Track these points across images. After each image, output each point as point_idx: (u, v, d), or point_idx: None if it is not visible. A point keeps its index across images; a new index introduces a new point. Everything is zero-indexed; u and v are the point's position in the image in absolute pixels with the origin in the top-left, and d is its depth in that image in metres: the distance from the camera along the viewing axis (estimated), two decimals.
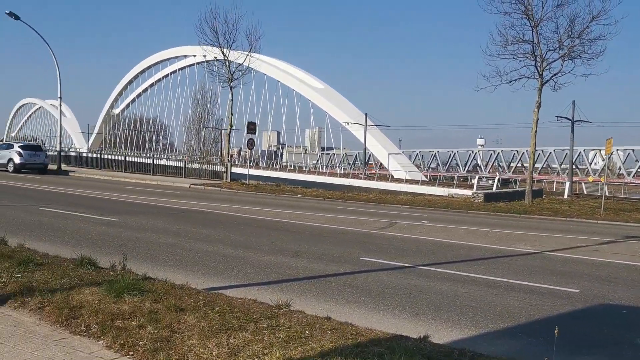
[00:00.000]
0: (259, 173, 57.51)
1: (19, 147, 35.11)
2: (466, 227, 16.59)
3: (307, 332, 5.08)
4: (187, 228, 13.15)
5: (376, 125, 63.39)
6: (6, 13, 33.54)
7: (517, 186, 48.09)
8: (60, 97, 38.36)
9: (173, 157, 56.12)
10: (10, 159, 34.01)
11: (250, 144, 32.27)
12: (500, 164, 79.34)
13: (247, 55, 33.78)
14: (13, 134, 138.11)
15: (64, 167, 38.29)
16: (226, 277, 8.08)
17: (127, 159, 41.26)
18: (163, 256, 9.47)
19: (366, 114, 61.39)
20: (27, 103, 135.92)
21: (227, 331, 4.98)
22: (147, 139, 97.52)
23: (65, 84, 40.40)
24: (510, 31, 26.53)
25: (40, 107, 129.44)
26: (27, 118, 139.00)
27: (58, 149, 39.58)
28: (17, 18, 33.91)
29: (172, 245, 10.63)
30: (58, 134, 41.44)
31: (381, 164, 67.31)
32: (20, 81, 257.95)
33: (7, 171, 33.72)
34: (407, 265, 9.68)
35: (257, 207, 19.83)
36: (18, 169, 33.55)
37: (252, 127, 32.23)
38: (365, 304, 6.93)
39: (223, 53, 33.67)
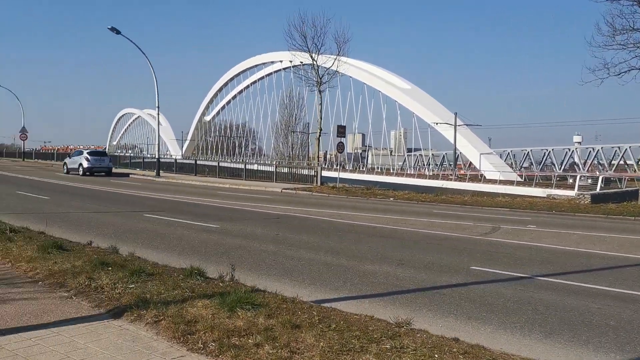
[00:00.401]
0: (346, 176, 57.25)
1: (87, 153, 39.80)
2: (578, 232, 15.39)
3: (436, 355, 4.62)
4: (285, 234, 13.03)
5: (466, 125, 61.40)
6: (108, 28, 35.57)
7: (624, 185, 44.80)
8: (158, 107, 40.11)
9: (263, 162, 57.19)
10: (80, 164, 38.31)
11: (340, 147, 32.09)
12: (600, 161, 74.58)
13: (336, 58, 33.72)
14: (114, 143, 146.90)
15: (161, 173, 39.94)
16: (333, 288, 7.77)
17: (221, 164, 42.40)
18: (266, 265, 9.32)
19: (455, 114, 59.59)
20: (126, 113, 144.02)
21: (349, 353, 4.62)
22: (236, 145, 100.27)
23: (160, 93, 42.37)
24: (618, 20, 24.59)
25: (138, 117, 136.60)
26: (127, 127, 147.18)
27: (156, 156, 41.44)
28: (117, 32, 35.78)
29: (273, 253, 10.49)
30: (156, 142, 43.48)
31: (470, 163, 65.10)
32: (120, 92, 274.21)
33: (78, 174, 37.76)
34: (523, 275, 8.94)
35: (350, 211, 19.52)
36: (86, 172, 37.67)
37: (341, 131, 32.06)
38: (489, 320, 6.36)
39: (312, 57, 33.79)
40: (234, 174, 41.70)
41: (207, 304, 5.86)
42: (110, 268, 7.31)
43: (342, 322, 5.44)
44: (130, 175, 40.57)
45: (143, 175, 41.11)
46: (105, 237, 11.11)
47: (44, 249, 8.31)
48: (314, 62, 34.15)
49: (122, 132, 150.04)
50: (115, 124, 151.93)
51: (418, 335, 5.18)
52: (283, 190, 29.52)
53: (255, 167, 42.79)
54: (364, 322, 5.52)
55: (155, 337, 5.06)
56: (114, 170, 41.61)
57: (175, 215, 16.04)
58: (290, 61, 78.61)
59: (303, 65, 41.00)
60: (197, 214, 17.04)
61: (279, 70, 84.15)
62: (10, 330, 5.09)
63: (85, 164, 37.89)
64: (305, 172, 36.97)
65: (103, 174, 38.54)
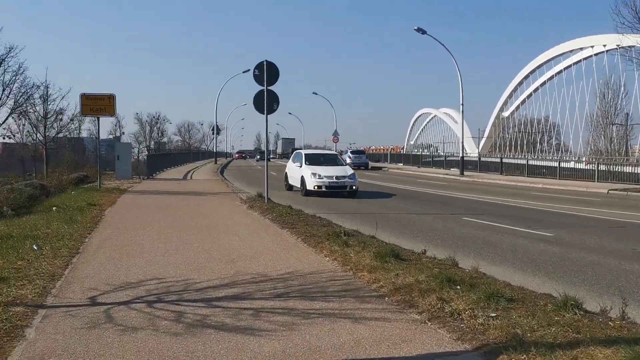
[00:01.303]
0: None
1: (350, 152, 54.03)
2: None
3: None
4: None
5: None
6: (414, 29, 36.00)
7: None
8: (462, 104, 39.23)
9: (569, 159, 51.57)
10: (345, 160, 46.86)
11: None
12: None
13: None
14: (412, 142, 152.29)
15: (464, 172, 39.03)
16: None
17: (530, 162, 39.29)
18: None
19: None
20: (423, 113, 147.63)
21: None
22: (538, 141, 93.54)
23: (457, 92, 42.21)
24: None
25: (434, 116, 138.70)
26: (423, 127, 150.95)
27: (460, 155, 40.70)
28: (423, 32, 35.99)
29: None
30: (460, 141, 42.94)
31: None
32: (417, 93, 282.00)
33: None
34: None
35: None
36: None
37: None
38: None
39: None
40: (538, 172, 38.21)
41: (608, 356, 4.30)
42: (458, 287, 6.29)
43: None
44: (382, 169, 50.44)
45: (445, 174, 40.77)
46: (433, 244, 10.36)
47: (381, 257, 7.78)
48: None
49: (418, 132, 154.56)
50: (413, 124, 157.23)
51: None
52: (609, 191, 25.49)
53: (571, 164, 38.42)
54: None
55: None
56: (372, 165, 54.02)
57: (495, 220, 14.62)
58: (604, 45, 69.78)
59: (619, 47, 35.28)
60: (519, 217, 15.31)
61: (589, 56, 75.40)
62: None
63: (348, 160, 46.24)
64: (629, 169, 31.76)
65: (362, 167, 48.82)
